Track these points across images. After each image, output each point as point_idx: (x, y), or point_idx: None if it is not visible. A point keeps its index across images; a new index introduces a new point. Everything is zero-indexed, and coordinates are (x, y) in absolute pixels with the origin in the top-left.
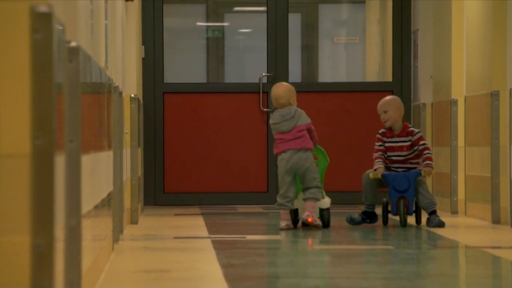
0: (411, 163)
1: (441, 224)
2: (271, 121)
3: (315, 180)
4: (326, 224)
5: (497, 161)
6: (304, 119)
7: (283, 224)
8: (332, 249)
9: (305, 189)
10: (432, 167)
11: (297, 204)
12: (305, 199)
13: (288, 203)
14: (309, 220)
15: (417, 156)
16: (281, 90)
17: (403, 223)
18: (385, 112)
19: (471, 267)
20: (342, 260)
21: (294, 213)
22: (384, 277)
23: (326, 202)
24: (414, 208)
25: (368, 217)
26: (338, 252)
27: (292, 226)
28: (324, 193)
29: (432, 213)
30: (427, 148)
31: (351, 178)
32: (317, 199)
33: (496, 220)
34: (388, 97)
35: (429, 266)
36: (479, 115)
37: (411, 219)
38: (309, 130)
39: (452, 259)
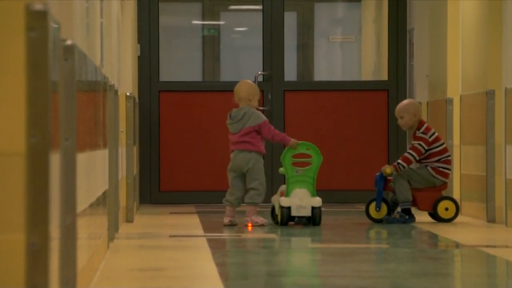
0: (421, 162)
1: (392, 222)
2: (228, 121)
3: (255, 182)
4: (317, 222)
5: (492, 160)
6: (254, 120)
7: (226, 220)
8: (327, 247)
9: (246, 191)
10: (395, 167)
11: (286, 202)
12: (245, 203)
13: (233, 200)
14: (248, 226)
15: (432, 155)
16: (244, 86)
17: (372, 219)
18: (402, 117)
19: (466, 266)
20: (337, 259)
21: (287, 212)
22: (379, 275)
23: (317, 200)
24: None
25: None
26: (333, 251)
27: (235, 222)
28: (315, 192)
29: (402, 211)
30: (411, 148)
31: (346, 176)
32: (255, 203)
33: (491, 219)
34: (406, 102)
35: (424, 265)
36: (474, 114)
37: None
38: (261, 129)
39: (447, 258)
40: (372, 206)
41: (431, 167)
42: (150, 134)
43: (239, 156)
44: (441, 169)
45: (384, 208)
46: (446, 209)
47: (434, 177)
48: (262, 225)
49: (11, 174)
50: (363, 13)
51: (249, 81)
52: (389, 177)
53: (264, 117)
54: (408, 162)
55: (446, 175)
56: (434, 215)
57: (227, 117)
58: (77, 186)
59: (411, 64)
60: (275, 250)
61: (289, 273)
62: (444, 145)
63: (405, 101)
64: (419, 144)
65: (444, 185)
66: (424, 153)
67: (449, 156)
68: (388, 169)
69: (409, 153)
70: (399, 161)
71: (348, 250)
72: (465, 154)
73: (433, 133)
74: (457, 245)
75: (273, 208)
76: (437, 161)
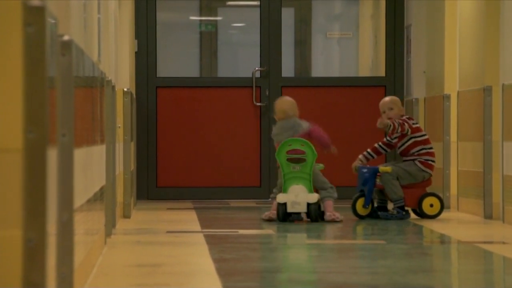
0: (408, 156)
1: (390, 218)
2: (272, 133)
3: (325, 185)
4: (313, 218)
5: (489, 157)
6: (303, 128)
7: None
8: (324, 243)
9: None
10: (391, 123)
11: (283, 198)
12: (322, 198)
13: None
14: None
15: (416, 144)
16: (288, 104)
17: (358, 216)
18: (391, 109)
19: (463, 262)
20: (334, 255)
21: (283, 208)
22: (376, 272)
23: (313, 196)
24: (377, 202)
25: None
26: (330, 247)
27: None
28: (312, 188)
29: (396, 207)
30: (397, 119)
31: (343, 173)
32: (332, 197)
33: (488, 215)
34: (390, 97)
35: (421, 261)
36: (471, 111)
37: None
38: (310, 135)
39: (444, 254)
40: (359, 202)
41: (419, 161)
42: (147, 129)
43: None
44: (429, 162)
45: (370, 205)
46: (431, 205)
47: (423, 171)
48: (339, 221)
49: (8, 170)
50: (361, 9)
51: (288, 97)
52: (377, 174)
53: (308, 124)
54: (394, 127)
55: (432, 168)
56: (419, 211)
57: (274, 128)
58: (74, 182)
59: (408, 60)
60: (271, 246)
61: (286, 269)
62: (427, 137)
63: (389, 97)
64: (404, 123)
65: (429, 180)
66: (406, 136)
67: (432, 148)
68: (388, 168)
69: (396, 121)
70: (388, 120)
71: (345, 246)
72: (462, 151)
73: (416, 123)
74: (454, 241)
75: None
76: (423, 152)
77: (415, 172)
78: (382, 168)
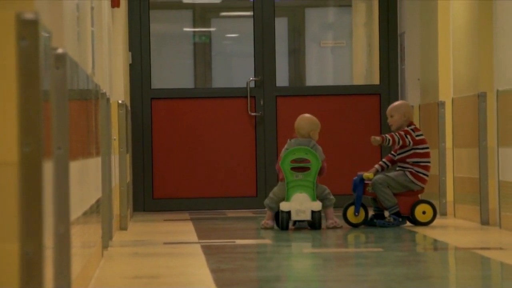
0: (400, 162)
1: (387, 225)
2: (286, 147)
3: (325, 192)
4: (317, 226)
5: (485, 163)
6: (320, 155)
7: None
8: (322, 252)
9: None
10: (382, 138)
11: (286, 206)
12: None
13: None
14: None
15: (413, 155)
16: (303, 121)
17: (350, 224)
18: (392, 116)
19: (460, 268)
20: (332, 263)
21: (287, 216)
22: (374, 279)
23: (317, 204)
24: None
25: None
26: (328, 255)
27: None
28: (315, 196)
29: (392, 215)
30: (399, 134)
31: (339, 181)
32: (330, 205)
33: (485, 222)
34: (398, 102)
35: (419, 268)
36: (466, 117)
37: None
38: (321, 169)
39: (441, 261)
40: (350, 210)
41: (410, 172)
42: (142, 141)
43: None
44: (420, 175)
45: (362, 213)
46: (424, 212)
47: (412, 182)
48: (339, 227)
49: (4, 183)
50: (354, 17)
51: (309, 115)
52: (367, 181)
53: (323, 156)
54: (393, 141)
55: (424, 181)
56: (412, 218)
57: (289, 144)
58: (70, 194)
59: (402, 67)
60: (269, 255)
61: (283, 278)
62: (428, 150)
63: (397, 102)
64: (405, 136)
65: (422, 189)
66: (407, 147)
67: (429, 162)
68: (370, 174)
69: (396, 135)
70: (386, 135)
71: (342, 254)
72: (458, 157)
73: (421, 134)
74: (451, 248)
75: (277, 213)
76: (417, 164)
77: (404, 183)
78: (366, 174)
